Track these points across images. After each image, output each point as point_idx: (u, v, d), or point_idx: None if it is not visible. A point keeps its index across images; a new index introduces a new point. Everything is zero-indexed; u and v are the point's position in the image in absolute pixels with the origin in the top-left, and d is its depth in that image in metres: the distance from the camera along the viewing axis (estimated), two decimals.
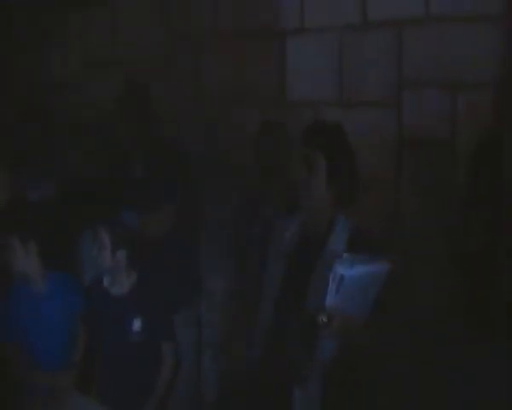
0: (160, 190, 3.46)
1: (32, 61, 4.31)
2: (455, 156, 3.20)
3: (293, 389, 2.39)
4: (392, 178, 3.39)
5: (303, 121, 3.27)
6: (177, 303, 3.47)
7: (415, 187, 3.30)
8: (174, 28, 3.94)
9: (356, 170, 2.50)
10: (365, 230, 2.49)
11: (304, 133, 2.53)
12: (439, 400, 2.68)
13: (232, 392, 2.96)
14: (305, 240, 2.51)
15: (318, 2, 3.60)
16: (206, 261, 3.78)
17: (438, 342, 2.80)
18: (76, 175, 3.82)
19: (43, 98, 4.19)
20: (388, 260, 2.25)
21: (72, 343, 3.29)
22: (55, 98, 4.19)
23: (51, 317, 3.32)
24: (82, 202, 3.64)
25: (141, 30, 3.99)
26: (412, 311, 2.97)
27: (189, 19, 3.88)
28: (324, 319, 2.22)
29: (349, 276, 2.18)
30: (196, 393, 3.79)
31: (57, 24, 4.14)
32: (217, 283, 3.78)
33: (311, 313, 2.26)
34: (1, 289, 3.35)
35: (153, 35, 4.00)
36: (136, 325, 3.18)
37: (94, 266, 3.25)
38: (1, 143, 3.84)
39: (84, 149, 3.94)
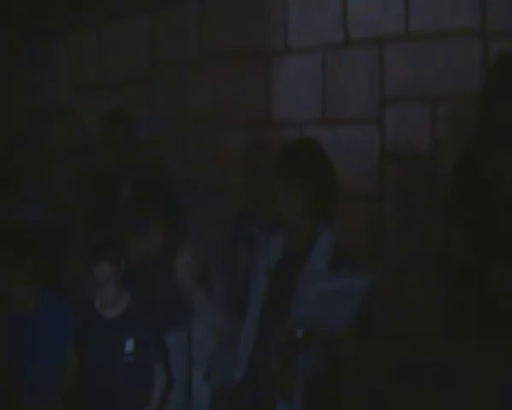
0: (148, 212, 3.49)
1: (20, 87, 4.37)
2: (437, 170, 3.24)
3: (277, 405, 2.36)
4: (376, 193, 3.43)
5: (289, 140, 3.34)
6: (168, 324, 3.48)
7: (398, 201, 3.34)
8: (160, 51, 4.00)
9: (334, 182, 2.49)
10: (347, 247, 2.48)
11: (278, 157, 2.53)
12: None
13: None
14: (287, 255, 2.51)
15: (301, 23, 3.66)
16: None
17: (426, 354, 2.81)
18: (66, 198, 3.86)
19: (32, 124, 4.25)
20: (369, 274, 2.24)
21: (64, 366, 3.30)
22: (44, 124, 4.25)
23: (43, 340, 3.34)
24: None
25: (127, 54, 4.05)
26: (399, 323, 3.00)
27: (174, 40, 3.94)
28: (301, 334, 2.21)
29: (325, 290, 2.16)
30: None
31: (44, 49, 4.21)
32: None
33: (289, 329, 2.25)
34: None
35: (139, 58, 4.06)
36: (128, 346, 3.19)
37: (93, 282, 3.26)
38: None
39: (72, 173, 3.98)
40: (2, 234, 3.54)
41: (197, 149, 3.86)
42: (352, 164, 3.45)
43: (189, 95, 3.93)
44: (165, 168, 3.67)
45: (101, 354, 3.21)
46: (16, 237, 3.48)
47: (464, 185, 2.75)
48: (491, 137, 2.68)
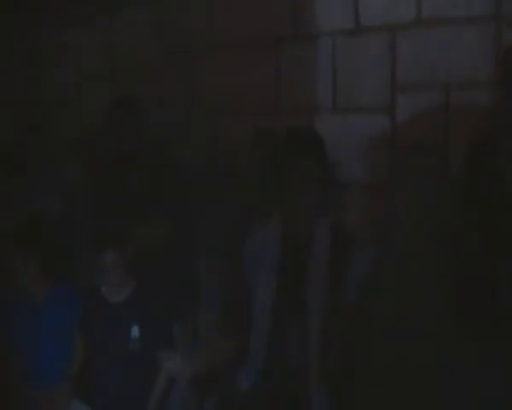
0: (155, 201, 3.49)
1: (30, 76, 4.40)
2: (448, 160, 3.19)
3: (310, 397, 2.39)
4: (386, 182, 3.39)
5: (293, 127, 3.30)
6: (175, 315, 3.48)
7: (408, 191, 3.29)
8: (169, 38, 3.98)
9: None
10: (344, 227, 2.55)
11: (291, 141, 2.53)
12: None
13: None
14: (290, 247, 2.50)
15: (311, 9, 3.60)
16: (205, 274, 3.79)
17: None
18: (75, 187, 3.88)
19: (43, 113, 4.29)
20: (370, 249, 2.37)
21: (71, 354, 3.33)
22: (54, 113, 4.27)
23: (50, 329, 3.36)
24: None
25: (135, 43, 4.05)
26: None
27: (183, 30, 3.92)
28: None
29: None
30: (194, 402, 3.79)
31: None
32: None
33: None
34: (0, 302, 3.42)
35: (147, 48, 4.05)
36: (133, 333, 3.21)
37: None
38: (2, 158, 3.92)
39: (81, 163, 4.00)
40: (14, 222, 3.57)
41: (206, 137, 3.84)
42: (363, 152, 3.42)
43: (197, 83, 3.91)
44: (174, 157, 3.66)
45: (106, 339, 3.23)
46: (27, 225, 3.51)
47: (475, 179, 2.71)
48: (500, 131, 2.63)
